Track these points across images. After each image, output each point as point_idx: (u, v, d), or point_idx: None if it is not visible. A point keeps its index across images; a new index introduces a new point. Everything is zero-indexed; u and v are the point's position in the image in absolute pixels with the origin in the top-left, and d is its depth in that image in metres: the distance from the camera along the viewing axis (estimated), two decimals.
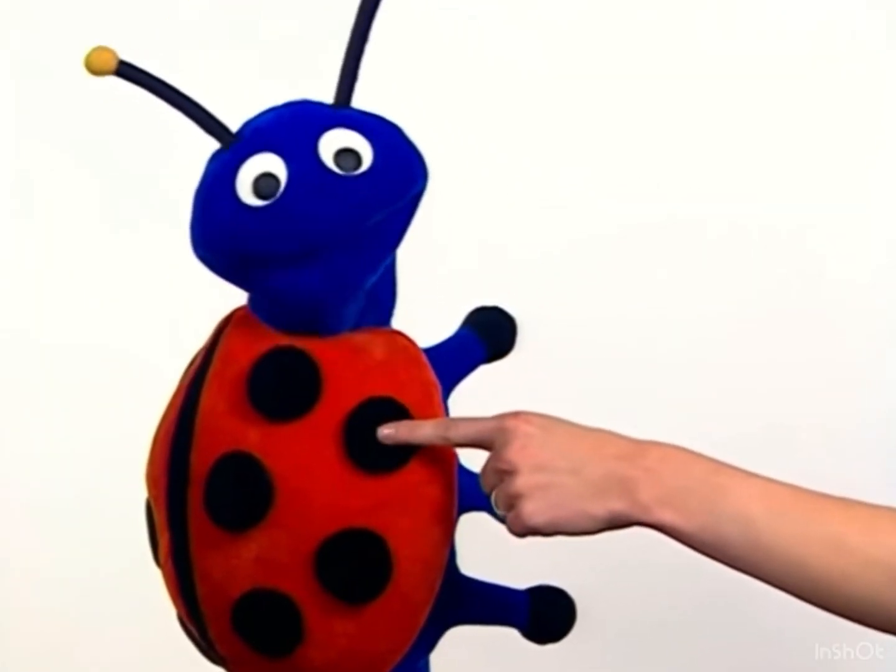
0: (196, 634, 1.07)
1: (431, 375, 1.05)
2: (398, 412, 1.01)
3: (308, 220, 0.98)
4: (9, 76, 1.70)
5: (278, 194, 0.98)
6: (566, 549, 0.98)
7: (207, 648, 1.07)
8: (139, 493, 1.09)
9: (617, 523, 0.96)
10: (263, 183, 0.98)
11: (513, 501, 0.96)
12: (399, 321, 1.08)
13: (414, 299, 1.06)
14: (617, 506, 0.94)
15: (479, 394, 1.12)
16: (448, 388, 1.08)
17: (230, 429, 1.01)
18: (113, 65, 1.00)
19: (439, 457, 1.03)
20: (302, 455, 1.00)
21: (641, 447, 0.96)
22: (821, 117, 1.64)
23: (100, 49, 1.00)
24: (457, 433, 1.00)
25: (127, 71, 1.01)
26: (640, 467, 0.94)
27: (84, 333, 1.70)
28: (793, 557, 0.92)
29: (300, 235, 0.98)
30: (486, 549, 1.11)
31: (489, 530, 1.07)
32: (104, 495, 1.62)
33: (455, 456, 1.04)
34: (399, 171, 1.01)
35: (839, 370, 1.64)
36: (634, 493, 0.94)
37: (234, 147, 1.01)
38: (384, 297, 1.07)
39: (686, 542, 0.94)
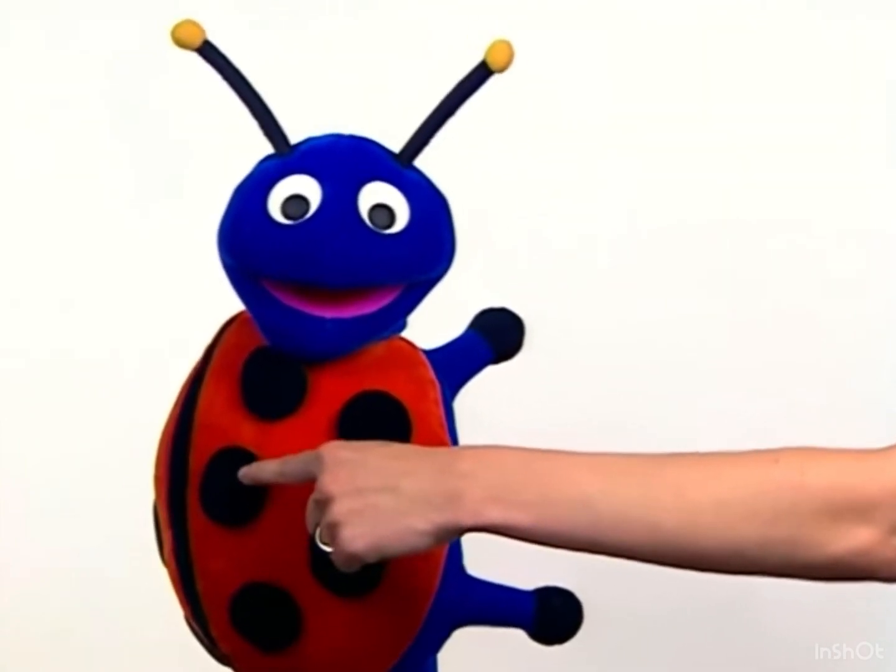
0: (200, 633, 1.07)
1: (429, 374, 1.05)
2: (392, 406, 1.02)
3: (321, 257, 0.98)
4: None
5: (304, 219, 0.98)
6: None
7: (212, 647, 1.07)
8: (146, 494, 1.09)
9: (446, 534, 0.92)
10: (293, 205, 0.98)
11: (333, 531, 0.92)
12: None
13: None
14: (442, 517, 0.91)
15: (488, 394, 1.13)
16: (453, 388, 1.08)
17: (226, 426, 1.02)
18: (198, 41, 1.00)
19: None
20: (295, 450, 1.00)
21: (456, 453, 0.95)
22: (820, 122, 1.64)
23: (189, 23, 1.00)
24: (290, 468, 0.98)
25: (208, 52, 1.01)
26: (458, 473, 0.91)
27: (92, 333, 1.70)
28: (639, 522, 0.89)
29: (309, 266, 0.98)
30: (493, 550, 1.10)
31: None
32: (112, 496, 1.62)
33: None
34: (426, 246, 1.01)
35: (846, 375, 1.64)
36: (458, 500, 0.90)
37: (284, 159, 1.01)
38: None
39: (526, 538, 0.91)
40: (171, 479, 1.04)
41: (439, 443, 1.03)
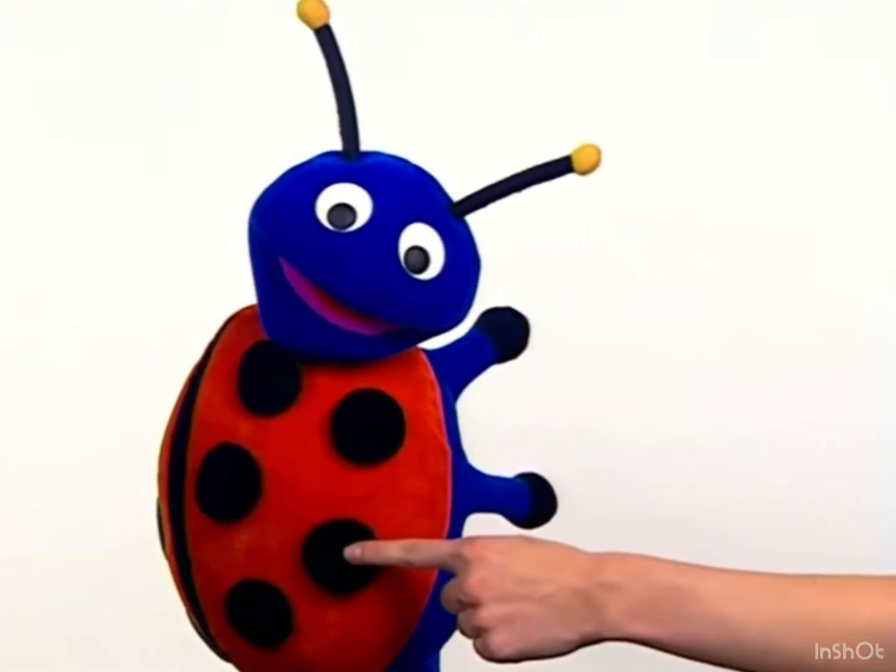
0: (200, 629, 1.08)
1: (428, 373, 1.06)
2: (385, 405, 1.02)
3: (342, 275, 0.98)
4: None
5: (344, 231, 0.98)
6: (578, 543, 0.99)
7: (212, 643, 1.08)
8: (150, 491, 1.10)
9: (588, 642, 0.96)
10: (339, 212, 0.98)
11: (479, 632, 0.96)
12: None
13: None
14: (587, 627, 0.95)
15: (492, 393, 1.14)
16: (457, 388, 1.09)
17: (223, 422, 1.03)
18: (321, 21, 1.01)
19: (427, 452, 1.03)
20: (290, 447, 1.01)
21: (600, 562, 0.96)
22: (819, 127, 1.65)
23: (318, 2, 1.00)
24: (418, 556, 1.00)
25: (325, 36, 1.01)
26: (603, 584, 0.95)
27: (91, 327, 1.71)
28: (771, 644, 0.93)
29: (325, 276, 0.98)
30: None
31: (494, 530, 1.08)
32: (115, 493, 1.62)
33: (446, 453, 1.04)
34: (442, 304, 1.01)
35: (842, 371, 1.64)
36: (602, 613, 0.94)
37: (349, 163, 1.01)
38: None
39: (661, 649, 0.95)
40: (170, 475, 1.05)
41: (436, 443, 1.04)
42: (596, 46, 1.66)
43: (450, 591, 0.98)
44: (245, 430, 1.02)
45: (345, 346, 1.01)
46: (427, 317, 1.01)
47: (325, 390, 1.02)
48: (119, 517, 1.47)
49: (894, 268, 1.66)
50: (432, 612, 1.04)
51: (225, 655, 1.08)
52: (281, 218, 0.99)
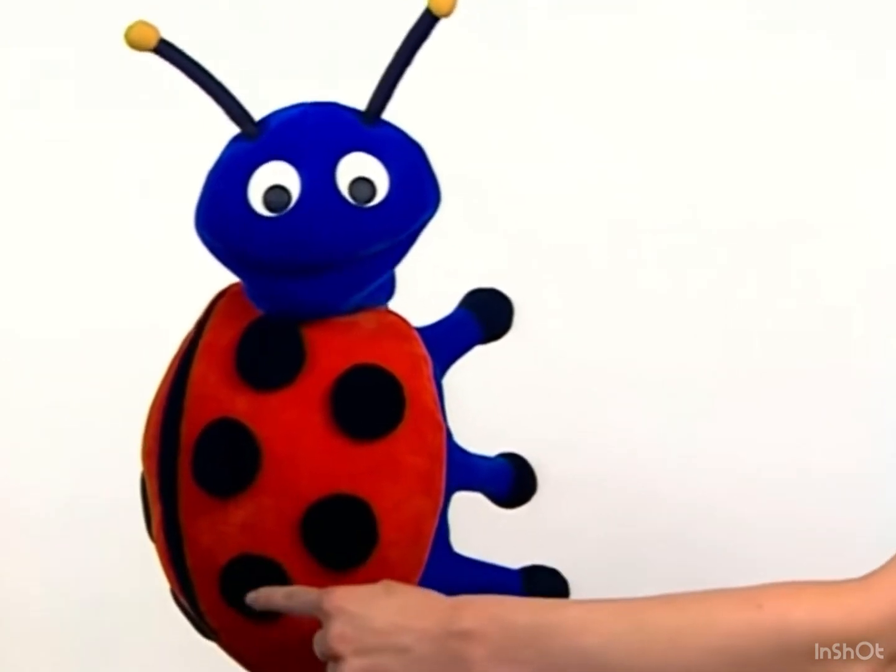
0: (188, 607, 1.07)
1: (421, 349, 1.06)
2: (385, 380, 1.02)
3: (311, 243, 0.99)
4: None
5: (288, 209, 0.99)
6: (560, 531, 0.97)
7: (199, 621, 1.07)
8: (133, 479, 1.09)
9: None
10: (275, 196, 0.99)
11: None
12: (397, 301, 1.08)
13: (411, 280, 1.07)
14: None
15: (476, 375, 1.13)
16: (443, 367, 1.08)
17: (219, 397, 1.02)
18: (153, 42, 1.01)
19: (426, 428, 1.03)
20: (289, 422, 1.01)
21: (459, 607, 0.96)
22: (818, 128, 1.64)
23: (142, 24, 1.00)
24: (296, 604, 1.00)
25: (165, 50, 1.02)
26: (461, 632, 0.94)
27: (80, 314, 1.69)
28: (633, 669, 0.92)
29: (301, 254, 0.99)
30: (479, 529, 1.10)
31: (483, 510, 1.07)
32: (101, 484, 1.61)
33: (442, 429, 1.04)
34: (410, 205, 1.02)
35: (839, 383, 1.61)
36: (463, 662, 0.94)
37: (255, 143, 1.02)
38: (382, 282, 1.07)
39: None
40: (161, 451, 1.04)
41: (433, 419, 1.04)
42: (596, 46, 1.65)
43: (316, 643, 0.99)
44: (243, 406, 1.01)
45: (340, 289, 1.02)
46: (401, 227, 1.02)
47: (325, 365, 1.02)
48: (110, 504, 1.45)
49: None
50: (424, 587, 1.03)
51: (213, 633, 1.07)
52: (229, 232, 1.01)
